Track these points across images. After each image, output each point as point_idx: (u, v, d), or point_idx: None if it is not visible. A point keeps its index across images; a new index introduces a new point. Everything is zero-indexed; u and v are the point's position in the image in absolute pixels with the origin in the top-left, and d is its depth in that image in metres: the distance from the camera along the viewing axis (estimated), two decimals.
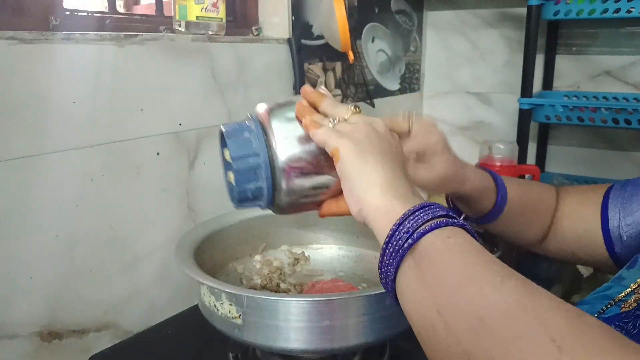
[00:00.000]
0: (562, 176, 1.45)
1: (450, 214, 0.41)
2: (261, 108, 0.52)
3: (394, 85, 1.48)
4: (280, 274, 0.73)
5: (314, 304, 0.52)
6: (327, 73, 1.19)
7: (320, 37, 1.15)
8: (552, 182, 1.38)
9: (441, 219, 0.40)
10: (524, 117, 1.28)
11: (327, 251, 0.80)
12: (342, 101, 1.24)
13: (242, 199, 0.50)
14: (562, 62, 1.44)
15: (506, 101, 1.53)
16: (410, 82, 1.57)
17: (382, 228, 0.42)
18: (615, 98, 1.32)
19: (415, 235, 0.39)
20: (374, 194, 0.44)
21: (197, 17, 0.88)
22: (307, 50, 1.12)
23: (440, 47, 1.62)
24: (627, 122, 1.17)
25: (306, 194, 0.50)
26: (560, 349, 0.29)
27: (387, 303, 0.53)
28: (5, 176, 0.67)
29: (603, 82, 1.40)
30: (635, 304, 0.48)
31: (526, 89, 1.26)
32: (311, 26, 1.13)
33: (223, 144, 0.52)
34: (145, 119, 0.83)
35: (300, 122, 0.50)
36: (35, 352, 0.73)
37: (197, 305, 0.72)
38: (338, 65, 1.22)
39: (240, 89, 0.99)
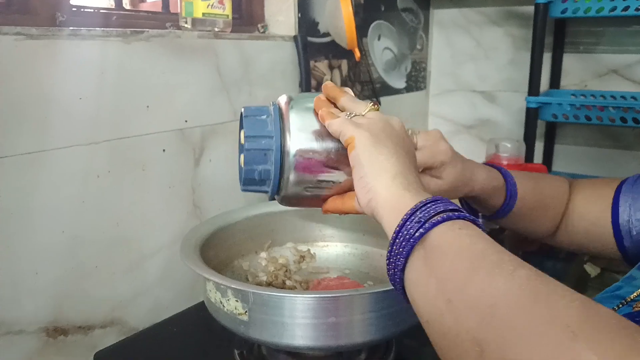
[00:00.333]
0: (569, 175, 1.44)
1: (460, 209, 0.41)
2: (283, 97, 0.52)
3: (400, 84, 1.48)
4: (286, 271, 0.73)
5: (319, 301, 0.52)
6: (333, 71, 1.19)
7: (327, 34, 1.14)
8: None
9: (453, 212, 0.40)
10: (531, 115, 1.27)
11: (333, 249, 0.80)
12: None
13: (248, 180, 0.50)
14: (569, 61, 1.44)
15: (512, 99, 1.52)
16: (417, 81, 1.56)
17: (392, 219, 0.42)
18: (623, 97, 1.31)
19: (427, 225, 0.39)
20: (385, 183, 0.44)
21: (203, 14, 0.88)
22: (313, 47, 1.11)
23: (446, 45, 1.61)
24: (635, 120, 1.16)
25: (312, 186, 0.50)
26: (575, 334, 0.29)
27: (395, 299, 0.53)
28: (10, 172, 0.67)
29: (610, 80, 1.40)
30: None
31: (533, 88, 1.25)
32: (317, 23, 1.13)
33: (242, 125, 0.52)
34: (151, 115, 0.83)
35: (317, 115, 0.51)
36: (41, 348, 0.73)
37: (202, 302, 0.72)
38: (344, 63, 1.21)
39: (246, 87, 0.99)
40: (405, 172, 0.45)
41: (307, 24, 1.10)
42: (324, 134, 0.49)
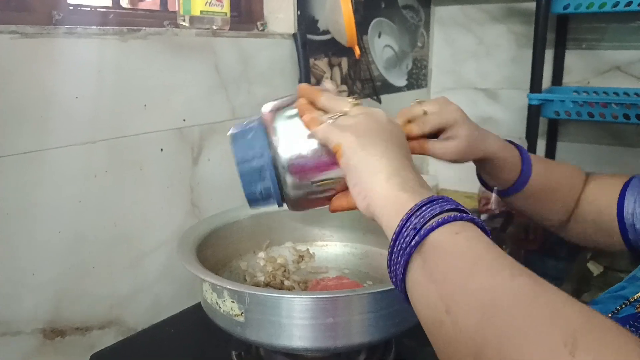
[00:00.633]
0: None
1: (459, 207, 0.40)
2: (266, 108, 0.52)
3: (401, 82, 1.47)
4: (285, 271, 0.72)
5: (317, 302, 0.51)
6: (332, 69, 1.18)
7: (326, 32, 1.14)
8: None
9: (449, 214, 0.38)
10: (533, 113, 1.26)
11: (332, 248, 0.79)
12: (348, 96, 1.23)
13: (252, 200, 0.51)
14: (571, 58, 1.43)
15: (514, 97, 1.51)
16: (418, 78, 1.55)
17: (390, 223, 0.41)
18: (626, 94, 1.30)
19: (422, 231, 0.38)
20: (380, 186, 0.43)
21: (201, 12, 0.88)
22: (312, 45, 1.11)
23: (447, 42, 1.61)
24: (639, 117, 1.15)
25: (314, 189, 0.50)
26: (574, 343, 0.29)
27: (394, 299, 0.52)
28: (8, 172, 0.66)
29: (613, 77, 1.38)
30: None
31: (535, 85, 1.24)
32: (317, 21, 1.12)
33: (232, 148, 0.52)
34: (149, 114, 0.82)
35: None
36: (38, 349, 0.73)
37: (200, 303, 0.71)
38: (344, 61, 1.21)
39: (245, 85, 0.98)
40: (399, 169, 0.43)
41: (306, 22, 1.09)
42: (312, 136, 0.49)
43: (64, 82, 0.71)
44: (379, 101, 1.31)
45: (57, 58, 0.70)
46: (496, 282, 0.34)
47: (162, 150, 0.85)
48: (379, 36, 1.34)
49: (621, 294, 0.53)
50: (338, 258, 0.78)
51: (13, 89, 0.66)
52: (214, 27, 0.91)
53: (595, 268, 1.09)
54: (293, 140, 0.49)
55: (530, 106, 1.26)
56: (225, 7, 0.91)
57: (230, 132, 0.51)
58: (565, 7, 1.20)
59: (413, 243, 0.38)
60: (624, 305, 0.50)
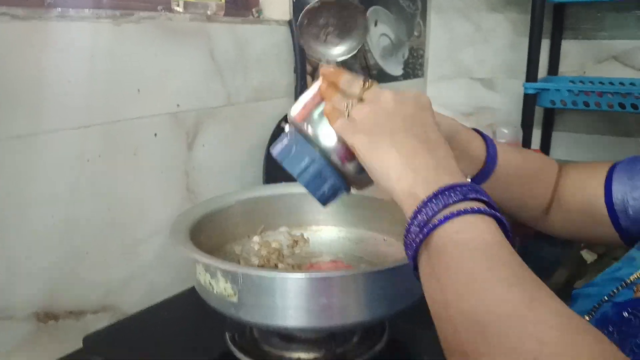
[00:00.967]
0: (567, 162, 1.43)
1: (468, 196, 0.39)
2: (294, 112, 0.53)
3: (397, 71, 1.46)
4: (279, 255, 0.72)
5: (310, 282, 0.51)
6: None
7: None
8: None
9: (453, 209, 0.38)
10: (529, 101, 1.26)
11: (326, 233, 0.79)
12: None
13: (325, 201, 0.52)
14: (568, 47, 1.43)
15: (510, 86, 1.51)
16: (414, 68, 1.55)
17: (407, 217, 0.42)
18: (621, 83, 1.30)
19: (425, 230, 0.39)
20: (392, 187, 0.44)
21: None
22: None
23: (444, 31, 1.60)
24: (634, 106, 1.15)
25: None
26: None
27: (388, 281, 0.53)
28: (0, 156, 0.66)
29: (609, 67, 1.38)
30: None
31: (531, 74, 1.24)
32: None
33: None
34: (142, 99, 0.82)
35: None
36: (32, 333, 0.72)
37: (194, 287, 0.71)
38: None
39: (240, 71, 0.98)
40: (410, 160, 0.43)
41: (302, 8, 1.08)
42: None
43: (57, 66, 0.71)
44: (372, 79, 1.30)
45: (49, 41, 0.70)
46: (488, 298, 0.35)
47: (156, 135, 0.85)
48: (375, 24, 1.33)
49: (617, 275, 0.53)
50: (333, 243, 0.78)
51: (4, 72, 0.65)
52: (209, 13, 0.90)
53: (589, 256, 1.09)
54: (331, 133, 0.50)
55: (526, 95, 1.26)
56: None
57: (274, 154, 0.52)
58: None
59: (418, 240, 0.39)
60: (620, 288, 0.50)
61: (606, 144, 1.42)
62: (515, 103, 1.47)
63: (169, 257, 0.89)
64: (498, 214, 0.39)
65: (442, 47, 1.61)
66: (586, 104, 1.20)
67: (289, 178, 0.52)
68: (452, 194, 0.39)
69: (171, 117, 0.87)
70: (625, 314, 0.46)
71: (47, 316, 0.74)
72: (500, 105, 1.54)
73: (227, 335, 0.63)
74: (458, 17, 1.56)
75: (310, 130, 0.51)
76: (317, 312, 0.51)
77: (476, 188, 0.40)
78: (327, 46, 0.80)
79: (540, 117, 1.44)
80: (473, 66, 1.57)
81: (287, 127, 0.54)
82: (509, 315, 0.33)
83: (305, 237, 0.77)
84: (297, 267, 0.70)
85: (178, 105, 0.88)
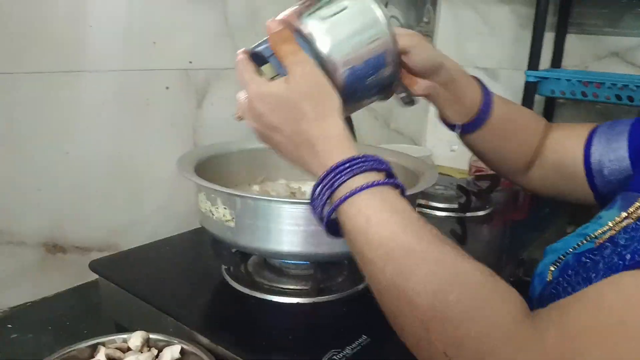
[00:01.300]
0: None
1: (335, 182, 0.43)
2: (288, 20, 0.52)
3: None
4: None
5: (304, 208, 0.55)
6: None
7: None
8: None
9: (339, 196, 0.42)
10: (530, 90, 1.30)
11: None
12: None
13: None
14: (572, 42, 1.46)
15: (514, 77, 1.53)
16: None
17: None
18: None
19: (324, 222, 0.45)
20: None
21: None
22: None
23: (452, 21, 1.63)
24: (630, 99, 1.19)
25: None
26: (428, 330, 0.37)
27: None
28: (19, 90, 0.70)
29: (611, 63, 1.41)
30: (608, 238, 0.50)
31: (533, 63, 1.28)
32: None
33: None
34: (157, 52, 0.86)
35: None
36: (41, 262, 0.77)
37: (196, 228, 0.75)
38: None
39: (252, 36, 1.00)
40: (300, 151, 0.47)
41: None
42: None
43: (79, 9, 0.75)
44: None
45: None
46: (375, 273, 0.41)
47: (167, 88, 0.89)
48: (386, 6, 1.37)
49: (584, 232, 0.56)
50: None
51: (28, 11, 0.70)
52: None
53: None
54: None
55: (527, 83, 1.29)
56: None
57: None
58: None
59: (324, 229, 0.45)
60: (584, 241, 0.53)
61: None
62: (518, 94, 1.51)
63: (172, 205, 0.93)
64: (366, 184, 0.42)
65: (449, 36, 1.65)
66: (584, 94, 1.24)
67: None
68: (335, 180, 0.43)
69: (183, 73, 0.91)
70: (583, 259, 0.49)
71: (55, 247, 0.79)
72: (503, 96, 1.57)
73: (224, 268, 0.67)
74: (466, 8, 1.60)
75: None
76: (307, 238, 0.56)
77: (339, 169, 0.43)
78: None
79: (540, 109, 1.48)
80: (478, 57, 1.60)
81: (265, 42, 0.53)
82: (388, 287, 0.40)
83: (302, 190, 0.82)
84: None
85: (190, 62, 0.92)
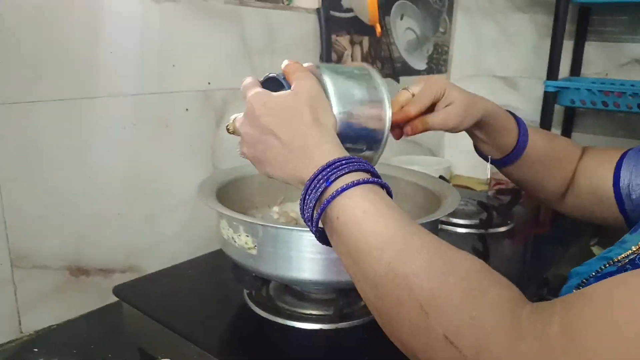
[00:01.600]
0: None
1: (331, 179, 0.43)
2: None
3: (421, 65, 1.50)
4: (296, 224, 0.77)
5: None
6: (354, 46, 1.22)
7: (350, 10, 1.17)
8: None
9: (323, 200, 0.43)
10: (549, 100, 1.28)
11: None
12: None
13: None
14: (592, 50, 1.44)
15: (532, 86, 1.53)
16: (438, 63, 1.58)
17: None
18: None
19: (313, 223, 0.44)
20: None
21: None
22: (335, 21, 1.14)
23: (469, 31, 1.63)
24: None
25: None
26: (427, 314, 0.36)
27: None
28: (44, 116, 0.72)
29: (632, 70, 1.39)
30: (628, 261, 0.50)
31: (552, 73, 1.26)
32: None
33: None
34: (177, 74, 0.87)
35: None
36: (64, 285, 0.78)
37: (217, 250, 0.76)
38: (365, 40, 1.24)
39: (268, 55, 1.03)
40: (292, 154, 0.47)
41: None
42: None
43: (100, 36, 0.76)
44: (397, 81, 1.34)
45: (92, 12, 0.75)
46: (371, 264, 0.40)
47: (187, 110, 0.90)
48: (401, 18, 1.37)
49: (607, 255, 0.55)
50: None
51: (49, 38, 0.71)
52: None
53: (598, 251, 1.11)
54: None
55: (546, 93, 1.28)
56: None
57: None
58: None
59: (313, 230, 0.45)
60: (607, 265, 0.53)
61: (625, 147, 1.43)
62: (537, 104, 1.49)
63: (192, 227, 0.94)
64: (362, 179, 0.43)
65: (466, 46, 1.64)
66: (605, 104, 1.22)
67: None
68: (319, 187, 0.43)
69: (202, 94, 0.92)
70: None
71: (78, 270, 0.80)
72: (522, 106, 1.56)
73: (245, 292, 0.68)
74: (483, 17, 1.59)
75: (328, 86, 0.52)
76: (329, 266, 0.56)
77: (336, 165, 0.44)
78: None
79: (560, 118, 1.46)
80: (496, 65, 1.59)
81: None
82: (386, 275, 0.39)
83: None
84: None
85: (209, 83, 0.93)
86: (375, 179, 0.44)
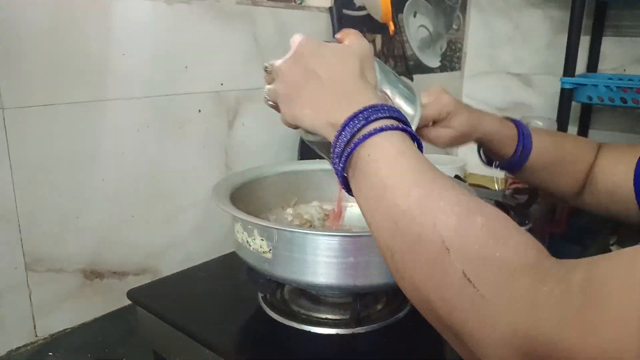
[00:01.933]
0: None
1: (371, 119, 0.43)
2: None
3: (434, 63, 1.48)
4: (310, 226, 0.76)
5: (340, 240, 0.54)
6: None
7: (362, 8, 1.16)
8: None
9: (359, 136, 0.42)
10: (565, 97, 1.26)
11: (357, 209, 0.80)
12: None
13: None
14: (609, 45, 1.42)
15: (548, 83, 1.51)
16: (451, 61, 1.57)
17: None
18: None
19: (342, 160, 0.43)
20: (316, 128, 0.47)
21: None
22: (347, 20, 1.13)
23: (483, 28, 1.61)
24: None
25: None
26: (448, 250, 0.35)
27: None
28: (58, 119, 0.72)
29: None
30: None
31: (569, 69, 1.24)
32: None
33: None
34: (189, 76, 0.87)
35: None
36: (79, 288, 0.78)
37: (231, 252, 0.75)
38: (378, 38, 1.23)
39: (281, 55, 1.01)
40: (331, 97, 0.46)
41: None
42: None
43: (112, 39, 0.76)
44: (411, 80, 1.33)
45: (105, 15, 0.75)
46: (398, 200, 0.39)
47: (200, 111, 0.90)
48: (414, 15, 1.35)
49: None
50: (362, 218, 0.80)
51: (62, 43, 0.71)
52: None
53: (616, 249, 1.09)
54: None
55: (562, 90, 1.26)
56: None
57: None
58: None
59: (340, 169, 0.44)
60: None
61: None
62: (552, 100, 1.47)
63: (206, 227, 0.94)
64: (400, 125, 0.43)
65: (480, 43, 1.62)
66: (624, 100, 1.20)
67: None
68: (357, 123, 0.43)
69: (215, 95, 0.92)
70: None
71: (93, 274, 0.80)
72: (537, 102, 1.54)
73: (260, 296, 0.67)
74: (497, 14, 1.57)
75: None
76: (344, 270, 0.55)
77: (377, 108, 0.43)
78: None
79: (576, 115, 1.44)
80: (511, 62, 1.57)
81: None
82: (410, 210, 0.38)
83: (336, 211, 0.81)
84: None
85: (222, 84, 0.92)
86: (414, 133, 0.44)
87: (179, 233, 0.91)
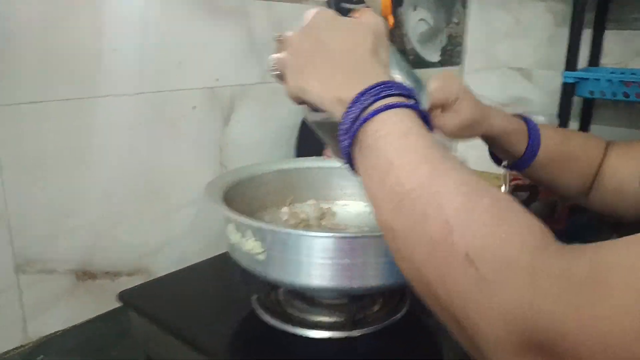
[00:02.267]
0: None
1: (381, 95, 0.41)
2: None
3: (435, 57, 1.46)
4: (306, 225, 0.74)
5: (335, 241, 0.53)
6: None
7: (360, 1, 1.14)
8: None
9: (369, 111, 0.41)
10: (567, 91, 1.24)
11: (353, 207, 0.80)
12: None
13: None
14: (611, 38, 1.40)
15: (549, 78, 1.48)
16: (452, 55, 1.55)
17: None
18: None
19: (347, 137, 0.42)
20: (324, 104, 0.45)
21: None
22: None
23: (483, 20, 1.59)
24: None
25: None
26: (452, 230, 0.34)
27: None
28: (48, 117, 0.70)
29: None
30: None
31: (570, 63, 1.22)
32: None
33: None
34: (183, 72, 0.85)
35: None
36: (71, 289, 0.77)
37: (225, 253, 0.74)
38: None
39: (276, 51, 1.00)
40: (339, 69, 0.44)
41: None
42: None
43: (102, 34, 0.74)
44: None
45: (96, 11, 0.73)
46: (402, 177, 0.38)
47: (194, 108, 0.88)
48: (414, 9, 1.33)
49: None
50: (359, 217, 0.79)
51: (51, 40, 0.69)
52: None
53: None
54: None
55: (564, 84, 1.24)
56: None
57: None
58: None
59: (346, 144, 0.42)
60: None
61: None
62: (554, 95, 1.45)
63: (200, 226, 0.92)
64: (411, 103, 0.42)
65: (481, 37, 1.60)
66: (626, 95, 1.18)
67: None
68: (366, 99, 0.41)
69: (209, 91, 0.90)
70: None
71: (85, 274, 0.78)
72: (538, 97, 1.52)
73: (254, 297, 0.66)
74: (498, 8, 1.55)
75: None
76: (339, 271, 0.53)
77: (389, 85, 0.42)
78: None
79: (578, 110, 1.42)
80: (511, 56, 1.55)
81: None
82: (415, 189, 0.37)
83: (332, 210, 0.79)
84: None
85: (216, 80, 0.90)
86: (425, 112, 0.42)
87: (173, 232, 0.89)
